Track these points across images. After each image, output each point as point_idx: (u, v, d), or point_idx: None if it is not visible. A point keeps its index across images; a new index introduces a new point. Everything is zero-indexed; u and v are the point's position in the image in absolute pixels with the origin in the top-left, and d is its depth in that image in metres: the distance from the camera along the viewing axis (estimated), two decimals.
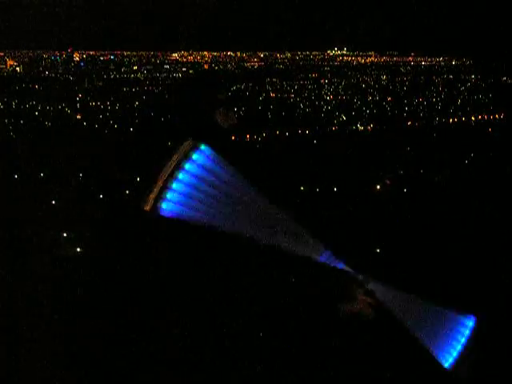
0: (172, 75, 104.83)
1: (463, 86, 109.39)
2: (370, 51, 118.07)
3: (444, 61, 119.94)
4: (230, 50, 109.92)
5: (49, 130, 77.23)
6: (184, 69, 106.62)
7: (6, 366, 24.48)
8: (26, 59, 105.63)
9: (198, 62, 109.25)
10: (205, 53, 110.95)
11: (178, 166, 6.45)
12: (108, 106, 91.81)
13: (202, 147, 6.72)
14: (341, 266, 7.55)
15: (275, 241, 7.04)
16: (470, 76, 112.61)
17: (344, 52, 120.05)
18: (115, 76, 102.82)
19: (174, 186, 6.47)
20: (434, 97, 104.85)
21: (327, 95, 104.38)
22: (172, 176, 6.45)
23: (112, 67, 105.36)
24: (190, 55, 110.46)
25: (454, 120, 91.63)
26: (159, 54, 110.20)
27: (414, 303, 7.79)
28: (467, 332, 7.31)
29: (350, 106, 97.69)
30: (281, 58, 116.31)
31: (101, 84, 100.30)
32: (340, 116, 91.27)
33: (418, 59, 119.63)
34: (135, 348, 26.23)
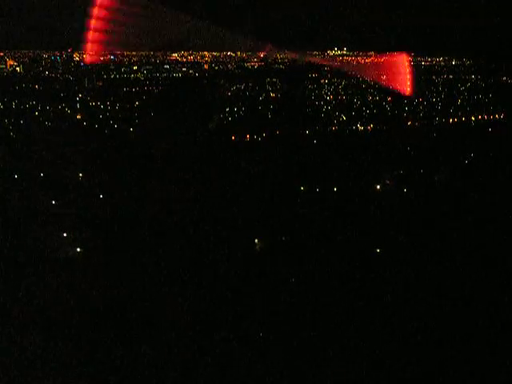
0: (172, 75, 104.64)
1: (463, 86, 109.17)
2: (370, 51, 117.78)
3: (444, 61, 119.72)
4: (230, 50, 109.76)
5: (49, 130, 77.15)
6: (184, 69, 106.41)
7: (5, 365, 24.42)
8: (26, 59, 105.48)
9: (197, 62, 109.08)
10: (205, 53, 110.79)
11: None
12: (108, 105, 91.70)
13: None
14: None
15: None
16: (470, 76, 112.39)
17: (344, 52, 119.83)
18: (115, 76, 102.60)
19: None
20: (434, 97, 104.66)
21: (327, 95, 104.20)
22: None
23: (112, 67, 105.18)
24: (190, 55, 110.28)
25: (454, 120, 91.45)
26: (159, 53, 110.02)
27: None
28: None
29: (350, 106, 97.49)
30: (281, 58, 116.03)
31: (101, 84, 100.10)
32: (340, 116, 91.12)
33: (418, 59, 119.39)
34: (135, 346, 26.23)
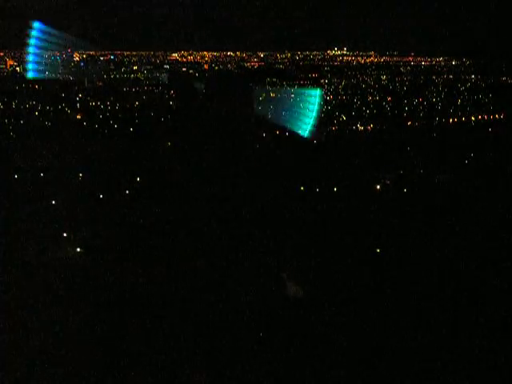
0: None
1: (463, 86, 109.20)
2: (370, 51, 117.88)
3: (444, 61, 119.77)
4: (230, 50, 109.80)
5: (49, 130, 77.20)
6: (184, 69, 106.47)
7: (5, 364, 24.42)
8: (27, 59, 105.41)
9: (198, 62, 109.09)
10: (205, 53, 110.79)
11: None
12: (108, 105, 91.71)
13: None
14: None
15: None
16: (470, 76, 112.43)
17: (344, 52, 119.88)
18: (115, 76, 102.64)
19: None
20: (434, 97, 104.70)
21: (327, 95, 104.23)
22: None
23: (112, 67, 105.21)
24: (190, 55, 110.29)
25: (454, 120, 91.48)
26: (159, 53, 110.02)
27: None
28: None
29: (350, 106, 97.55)
30: (281, 58, 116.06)
31: (101, 84, 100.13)
32: (340, 116, 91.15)
33: (418, 59, 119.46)
34: (134, 347, 26.14)
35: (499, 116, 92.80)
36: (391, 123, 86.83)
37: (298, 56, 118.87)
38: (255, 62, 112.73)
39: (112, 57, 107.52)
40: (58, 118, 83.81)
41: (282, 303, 29.54)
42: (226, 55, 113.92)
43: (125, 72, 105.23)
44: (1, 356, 24.28)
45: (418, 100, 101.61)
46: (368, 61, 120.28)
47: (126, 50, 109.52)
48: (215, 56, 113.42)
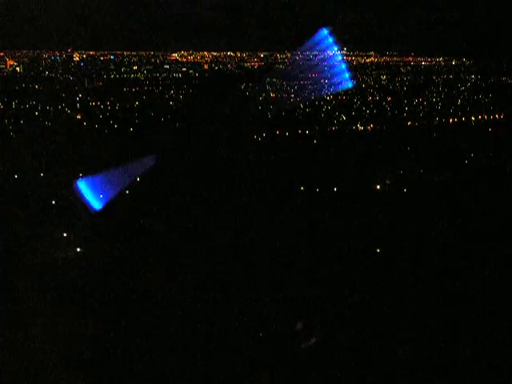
0: (172, 75, 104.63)
1: (463, 86, 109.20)
2: (370, 51, 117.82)
3: (444, 61, 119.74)
4: (230, 50, 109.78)
5: (49, 130, 77.17)
6: (184, 69, 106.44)
7: (6, 364, 24.41)
8: (26, 59, 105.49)
9: (198, 62, 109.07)
10: (205, 53, 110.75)
11: None
12: (108, 105, 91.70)
13: None
14: None
15: None
16: (470, 76, 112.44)
17: (344, 52, 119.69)
18: (115, 76, 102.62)
19: None
20: (434, 97, 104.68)
21: (327, 95, 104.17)
22: None
23: (112, 67, 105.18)
24: (190, 55, 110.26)
25: (454, 120, 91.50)
26: (159, 53, 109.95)
27: None
28: None
29: (350, 106, 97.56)
30: (281, 58, 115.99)
31: (101, 84, 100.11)
32: (340, 116, 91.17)
33: (418, 59, 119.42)
34: (133, 347, 26.13)
35: (499, 116, 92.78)
36: (391, 123, 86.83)
37: (298, 56, 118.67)
38: (255, 61, 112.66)
39: (112, 57, 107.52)
40: (58, 118, 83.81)
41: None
42: (226, 55, 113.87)
43: (125, 72, 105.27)
44: (1, 357, 24.31)
45: (418, 100, 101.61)
46: (368, 61, 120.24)
47: (126, 50, 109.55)
48: (215, 56, 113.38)
